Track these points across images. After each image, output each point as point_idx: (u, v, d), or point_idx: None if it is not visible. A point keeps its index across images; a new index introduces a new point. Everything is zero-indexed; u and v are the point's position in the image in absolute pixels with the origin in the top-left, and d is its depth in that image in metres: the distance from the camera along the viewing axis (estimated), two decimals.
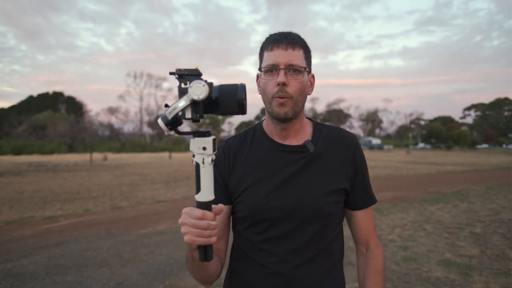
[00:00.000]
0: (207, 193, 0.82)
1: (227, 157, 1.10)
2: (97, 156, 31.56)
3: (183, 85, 0.79)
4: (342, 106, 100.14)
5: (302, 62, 1.01)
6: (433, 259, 4.37)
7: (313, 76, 1.11)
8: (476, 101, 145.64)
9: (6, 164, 24.74)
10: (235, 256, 1.13)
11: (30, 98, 77.14)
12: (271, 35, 1.05)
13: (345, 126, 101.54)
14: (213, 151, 0.82)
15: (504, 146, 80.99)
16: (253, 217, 1.04)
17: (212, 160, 0.82)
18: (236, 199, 1.07)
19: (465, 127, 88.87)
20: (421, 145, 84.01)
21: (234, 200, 1.08)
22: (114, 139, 62.27)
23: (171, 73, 0.80)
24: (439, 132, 75.10)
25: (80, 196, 9.97)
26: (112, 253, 4.78)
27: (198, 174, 0.82)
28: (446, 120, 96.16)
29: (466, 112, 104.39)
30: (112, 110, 74.59)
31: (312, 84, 1.10)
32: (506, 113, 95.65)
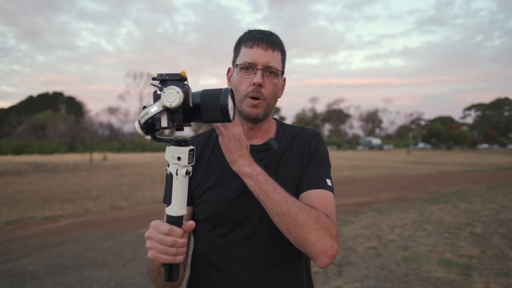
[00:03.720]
0: (178, 207, 0.76)
1: None
2: (97, 156, 31.55)
3: (158, 91, 0.73)
4: (342, 106, 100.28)
5: (279, 65, 0.99)
6: (433, 259, 4.36)
7: (284, 80, 1.08)
8: (476, 101, 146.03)
9: (6, 164, 24.75)
10: (196, 263, 1.06)
11: (30, 98, 77.19)
12: (251, 32, 1.01)
13: (345, 126, 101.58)
14: (189, 163, 0.76)
15: (495, 146, 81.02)
16: (216, 218, 0.99)
17: (187, 173, 0.76)
18: (198, 199, 1.02)
19: (465, 127, 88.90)
20: (421, 145, 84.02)
21: (195, 201, 1.02)
22: (114, 139, 62.26)
23: (153, 79, 0.75)
24: (439, 132, 75.15)
25: (80, 196, 9.97)
26: (112, 253, 4.78)
27: (170, 185, 0.77)
28: (446, 120, 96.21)
29: (466, 112, 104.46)
30: (112, 110, 74.67)
31: (283, 87, 1.08)
32: (506, 113, 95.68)
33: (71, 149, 46.67)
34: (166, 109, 0.73)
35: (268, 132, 1.08)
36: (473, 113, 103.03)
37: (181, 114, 0.74)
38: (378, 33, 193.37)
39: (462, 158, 34.43)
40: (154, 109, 0.73)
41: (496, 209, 7.55)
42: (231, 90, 0.80)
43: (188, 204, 1.02)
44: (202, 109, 0.76)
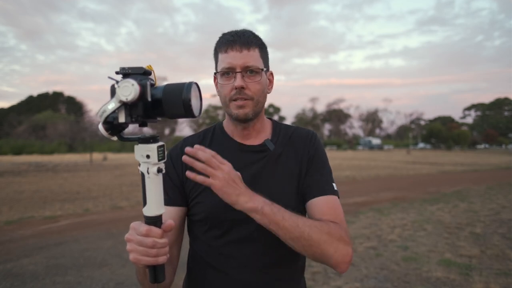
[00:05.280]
0: (154, 206, 0.74)
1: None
2: (97, 156, 31.56)
3: (115, 85, 0.69)
4: (342, 106, 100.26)
5: (259, 63, 0.97)
6: (433, 259, 4.36)
7: (271, 74, 1.07)
8: (476, 101, 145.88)
9: (6, 164, 24.77)
10: (192, 264, 1.06)
11: (30, 98, 77.32)
12: (224, 35, 1.00)
13: (345, 126, 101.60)
14: (159, 159, 0.72)
15: (503, 146, 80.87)
16: (213, 218, 0.98)
17: (159, 170, 0.73)
18: (194, 200, 1.01)
19: (465, 127, 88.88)
20: (421, 145, 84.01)
21: (191, 201, 1.01)
22: None
23: (116, 73, 0.72)
24: (439, 132, 75.14)
25: (80, 196, 9.97)
26: (112, 253, 4.78)
27: (143, 185, 0.74)
28: (446, 120, 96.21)
29: (466, 112, 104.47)
30: None
31: (271, 82, 1.07)
32: (506, 113, 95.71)
33: (71, 149, 46.62)
34: (123, 104, 0.70)
35: (262, 131, 1.07)
36: (473, 113, 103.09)
37: (141, 109, 0.71)
38: (378, 33, 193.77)
39: (462, 158, 34.44)
40: (111, 105, 0.69)
41: (496, 209, 7.55)
42: (196, 84, 0.77)
43: (181, 205, 1.02)
44: (164, 103, 0.72)
